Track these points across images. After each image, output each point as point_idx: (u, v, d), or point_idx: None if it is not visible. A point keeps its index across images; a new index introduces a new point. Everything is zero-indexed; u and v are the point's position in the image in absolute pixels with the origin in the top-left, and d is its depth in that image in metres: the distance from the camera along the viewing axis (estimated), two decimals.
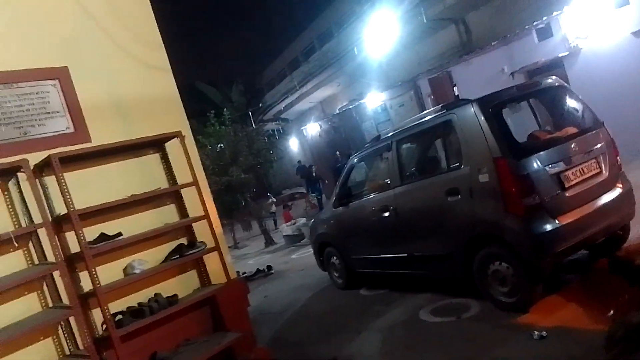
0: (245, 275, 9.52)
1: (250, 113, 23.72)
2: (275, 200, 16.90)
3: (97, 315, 3.56)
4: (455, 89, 12.14)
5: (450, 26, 15.35)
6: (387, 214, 5.36)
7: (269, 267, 9.51)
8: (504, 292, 4.26)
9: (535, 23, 9.69)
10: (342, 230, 6.37)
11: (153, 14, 4.27)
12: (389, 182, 5.45)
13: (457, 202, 4.45)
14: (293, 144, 26.41)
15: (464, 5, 13.73)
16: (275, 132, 25.40)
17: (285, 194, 22.29)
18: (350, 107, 17.75)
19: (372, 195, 5.77)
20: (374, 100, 15.83)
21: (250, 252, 13.59)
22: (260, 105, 27.03)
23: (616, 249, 4.74)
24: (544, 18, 9.49)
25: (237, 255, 13.71)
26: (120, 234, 3.61)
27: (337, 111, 19.86)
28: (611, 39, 8.71)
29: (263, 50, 36.10)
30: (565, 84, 4.79)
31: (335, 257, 6.64)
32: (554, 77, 4.85)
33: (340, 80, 21.29)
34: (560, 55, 9.37)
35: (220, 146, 13.53)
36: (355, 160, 6.27)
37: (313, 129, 20.42)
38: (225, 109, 14.90)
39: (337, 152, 15.78)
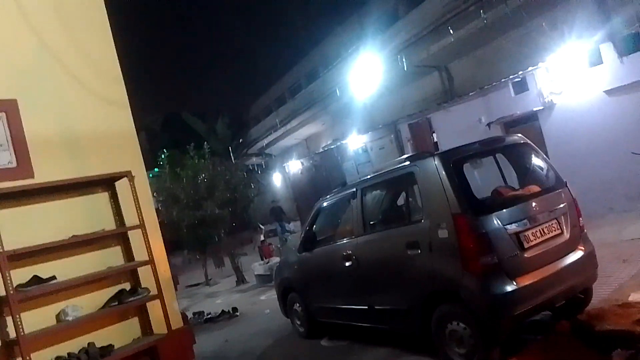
0: (209, 316, 9.22)
1: (230, 147, 23.63)
2: (262, 228, 15.95)
3: None
4: (434, 135, 12.22)
5: (433, 73, 15.61)
6: (349, 263, 5.20)
7: (235, 309, 9.20)
8: (461, 353, 4.08)
9: (511, 77, 9.86)
10: (305, 276, 6.19)
11: (114, 48, 4.19)
12: (352, 230, 5.33)
13: (417, 256, 4.32)
14: (276, 180, 26.31)
15: (447, 54, 13.98)
16: (257, 167, 25.30)
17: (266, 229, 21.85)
18: (332, 146, 17.77)
19: (336, 243, 5.64)
20: (356, 142, 15.88)
21: (221, 290, 13.23)
22: (241, 140, 27.03)
23: (578, 312, 4.61)
24: (520, 72, 9.66)
25: (207, 292, 13.35)
26: (54, 277, 3.41)
27: (321, 150, 19.88)
28: (585, 96, 8.86)
29: (251, 86, 36.46)
30: (529, 142, 4.77)
31: (297, 304, 6.43)
32: (519, 134, 4.85)
33: (325, 119, 21.40)
34: (535, 109, 9.49)
35: (198, 179, 13.33)
36: (323, 205, 6.15)
37: (295, 166, 20.38)
38: (205, 142, 14.79)
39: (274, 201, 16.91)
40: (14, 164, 3.55)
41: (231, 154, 22.27)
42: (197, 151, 13.72)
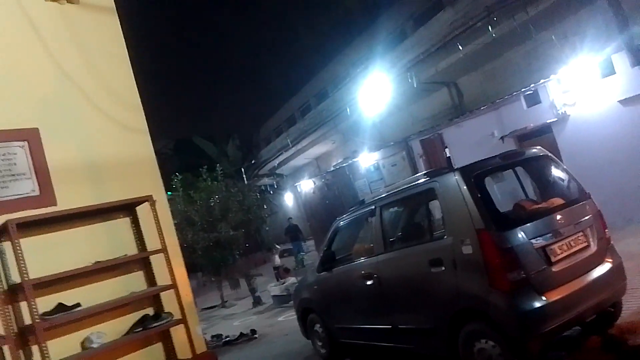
0: (227, 339, 9.13)
1: (242, 169, 23.75)
2: (279, 248, 15.82)
3: None
4: (447, 150, 12.16)
5: (442, 89, 15.67)
6: (370, 282, 5.14)
7: (253, 331, 9.12)
8: None
9: (523, 90, 9.83)
10: (325, 296, 6.12)
11: (133, 76, 4.25)
12: (372, 248, 5.28)
13: (440, 273, 4.25)
14: (288, 199, 26.30)
15: (455, 70, 14.07)
16: (269, 188, 25.36)
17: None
18: (344, 165, 17.77)
19: (355, 262, 5.57)
20: (367, 159, 15.86)
21: (238, 311, 13.14)
22: (253, 161, 27.18)
23: (608, 326, 4.50)
24: (532, 85, 9.64)
25: (224, 314, 13.27)
26: (78, 304, 3.40)
27: (332, 168, 19.91)
28: (599, 106, 8.79)
29: (261, 107, 36.96)
30: (550, 154, 4.72)
31: (318, 325, 6.34)
32: (538, 146, 4.80)
33: (335, 138, 21.51)
34: (548, 121, 9.43)
35: (211, 202, 13.35)
36: (341, 223, 6.11)
37: (307, 185, 20.36)
38: (218, 164, 14.86)
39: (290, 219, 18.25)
40: (37, 192, 3.57)
41: (244, 175, 22.35)
42: (209, 174, 13.78)
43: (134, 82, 4.24)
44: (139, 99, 4.24)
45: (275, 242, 17.08)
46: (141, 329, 3.64)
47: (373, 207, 5.29)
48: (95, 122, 3.96)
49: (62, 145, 3.74)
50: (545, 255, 3.94)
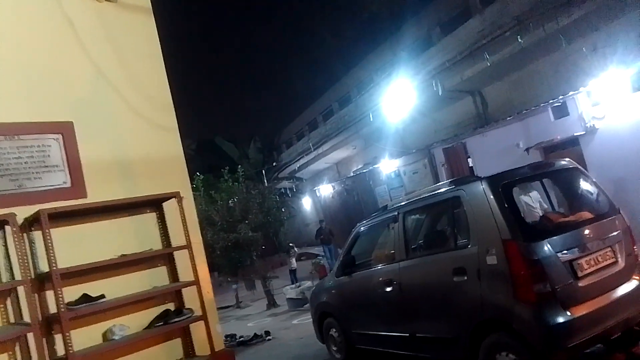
0: (241, 339, 9.15)
1: (263, 171, 23.87)
2: (296, 251, 15.86)
3: None
4: (470, 160, 12.04)
5: (467, 97, 15.51)
6: (390, 288, 5.11)
7: (267, 333, 9.13)
8: None
9: (551, 101, 9.68)
10: (343, 301, 6.09)
11: (166, 75, 4.30)
12: (394, 254, 5.25)
13: (463, 282, 4.21)
14: (306, 203, 26.32)
15: (480, 78, 13.91)
16: (288, 191, 25.43)
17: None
18: (364, 170, 17.72)
19: (376, 267, 5.55)
20: (388, 166, 15.80)
21: (252, 313, 13.19)
22: (273, 164, 27.28)
23: (634, 345, 4.38)
24: (560, 97, 9.48)
25: (238, 315, 13.33)
26: (103, 296, 3.45)
27: (352, 174, 19.87)
28: (628, 120, 8.61)
29: (283, 111, 37.20)
30: (579, 167, 4.64)
31: (334, 330, 6.32)
32: (567, 158, 4.72)
33: (356, 143, 21.46)
34: (576, 134, 9.27)
35: (231, 202, 13.44)
36: (362, 228, 6.09)
37: (326, 190, 20.37)
38: (240, 166, 14.98)
39: (322, 221, 17.31)
40: (69, 184, 3.64)
41: (264, 178, 22.46)
42: (231, 175, 13.90)
43: (167, 81, 4.30)
44: (171, 99, 4.29)
45: (292, 242, 17.00)
46: (162, 323, 3.67)
47: (396, 213, 5.26)
48: (127, 119, 4.02)
49: (95, 140, 3.81)
50: (571, 269, 3.87)
